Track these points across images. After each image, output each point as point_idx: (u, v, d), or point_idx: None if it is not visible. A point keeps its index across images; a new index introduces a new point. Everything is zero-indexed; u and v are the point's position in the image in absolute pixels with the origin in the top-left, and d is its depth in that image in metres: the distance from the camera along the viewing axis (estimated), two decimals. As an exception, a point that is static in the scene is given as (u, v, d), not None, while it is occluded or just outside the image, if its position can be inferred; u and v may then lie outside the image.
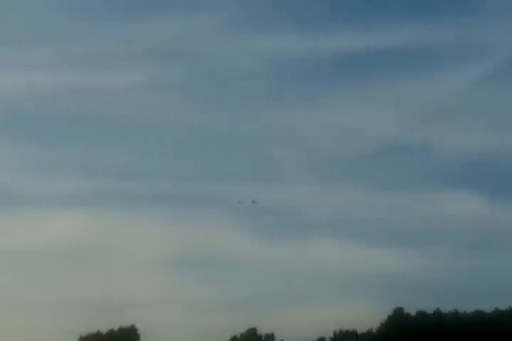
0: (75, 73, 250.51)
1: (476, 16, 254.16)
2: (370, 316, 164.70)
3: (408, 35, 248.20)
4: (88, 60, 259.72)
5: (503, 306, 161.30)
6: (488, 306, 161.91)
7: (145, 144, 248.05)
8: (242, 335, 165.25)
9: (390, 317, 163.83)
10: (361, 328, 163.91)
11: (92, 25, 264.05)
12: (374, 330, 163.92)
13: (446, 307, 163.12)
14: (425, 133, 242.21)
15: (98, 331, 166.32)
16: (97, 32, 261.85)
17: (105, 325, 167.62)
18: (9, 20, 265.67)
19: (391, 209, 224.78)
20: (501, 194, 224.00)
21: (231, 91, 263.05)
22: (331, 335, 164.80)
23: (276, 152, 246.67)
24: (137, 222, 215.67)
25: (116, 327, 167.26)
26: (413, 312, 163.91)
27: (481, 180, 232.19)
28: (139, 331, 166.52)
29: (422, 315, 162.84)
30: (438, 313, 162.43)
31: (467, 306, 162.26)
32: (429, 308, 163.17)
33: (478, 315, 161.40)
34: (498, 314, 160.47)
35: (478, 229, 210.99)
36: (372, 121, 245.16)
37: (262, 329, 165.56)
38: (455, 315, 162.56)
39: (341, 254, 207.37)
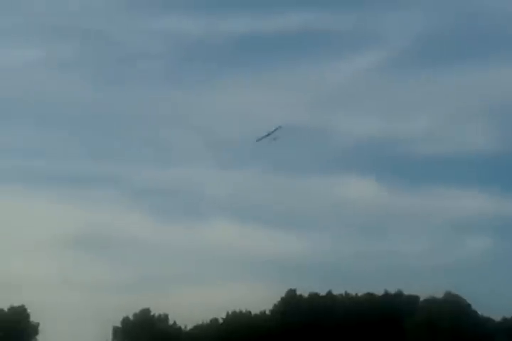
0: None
1: (375, 2, 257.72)
2: (264, 298, 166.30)
3: (307, 20, 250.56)
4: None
5: (392, 289, 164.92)
6: (377, 289, 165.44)
7: (40, 122, 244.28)
8: (135, 316, 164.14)
9: (283, 299, 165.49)
10: (255, 310, 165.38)
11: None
12: (267, 312, 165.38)
13: (338, 290, 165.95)
14: (323, 117, 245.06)
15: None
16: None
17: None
18: None
19: (288, 192, 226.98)
20: (396, 179, 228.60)
21: (129, 71, 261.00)
22: (224, 317, 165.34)
23: (173, 134, 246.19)
24: (33, 201, 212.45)
25: (6, 307, 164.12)
26: (305, 294, 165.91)
27: (377, 165, 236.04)
28: (29, 311, 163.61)
29: (314, 296, 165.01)
30: (330, 295, 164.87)
31: (358, 289, 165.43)
32: (322, 290, 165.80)
33: (369, 297, 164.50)
34: (387, 297, 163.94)
35: (372, 213, 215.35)
36: (271, 105, 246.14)
37: (156, 310, 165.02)
38: (346, 297, 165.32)
39: (237, 236, 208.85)
